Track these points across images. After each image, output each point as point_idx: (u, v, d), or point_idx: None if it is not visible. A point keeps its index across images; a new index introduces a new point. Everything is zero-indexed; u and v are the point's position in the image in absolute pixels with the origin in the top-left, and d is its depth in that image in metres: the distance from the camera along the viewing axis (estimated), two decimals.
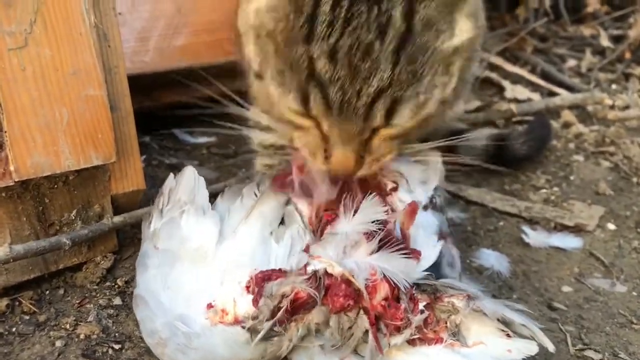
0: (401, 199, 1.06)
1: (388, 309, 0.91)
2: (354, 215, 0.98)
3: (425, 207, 1.11)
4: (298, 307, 0.91)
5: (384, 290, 0.91)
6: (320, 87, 0.85)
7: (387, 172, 1.09)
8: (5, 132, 0.99)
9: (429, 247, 1.02)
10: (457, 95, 1.01)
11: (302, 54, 0.85)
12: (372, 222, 0.97)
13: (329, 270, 0.92)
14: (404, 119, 0.89)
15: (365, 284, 0.91)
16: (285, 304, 0.90)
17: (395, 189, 1.07)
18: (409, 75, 0.85)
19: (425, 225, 1.06)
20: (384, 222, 0.98)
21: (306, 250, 0.99)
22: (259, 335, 0.89)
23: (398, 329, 0.91)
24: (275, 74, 0.90)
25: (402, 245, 0.97)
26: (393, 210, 1.04)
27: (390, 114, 0.88)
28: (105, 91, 1.10)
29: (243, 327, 0.90)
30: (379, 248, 0.95)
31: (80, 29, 1.08)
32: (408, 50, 0.85)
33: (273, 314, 0.90)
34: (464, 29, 0.91)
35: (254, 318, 0.91)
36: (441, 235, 1.06)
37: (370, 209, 0.98)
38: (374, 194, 1.00)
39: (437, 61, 0.88)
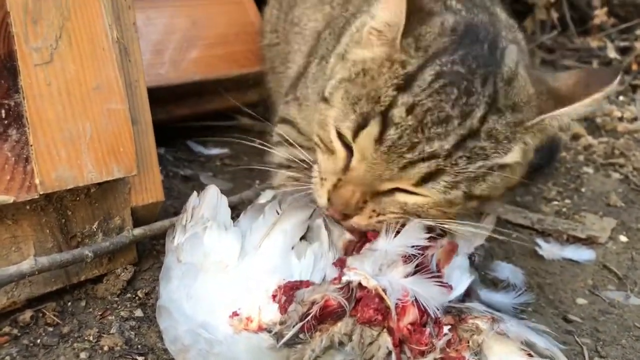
0: (442, 243, 1.06)
1: (413, 333, 0.92)
2: (395, 236, 1.00)
3: None
4: (326, 315, 0.92)
5: (412, 314, 0.93)
6: (384, 123, 0.96)
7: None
8: (31, 145, 1.00)
9: (461, 281, 1.04)
10: (481, 204, 1.09)
11: (388, 96, 0.97)
12: (412, 246, 0.99)
13: (364, 283, 0.94)
14: (434, 190, 0.97)
15: (396, 304, 0.92)
16: (314, 310, 0.91)
17: (443, 235, 1.08)
18: (461, 161, 0.96)
19: (461, 267, 1.08)
20: (422, 249, 1.00)
21: (342, 264, 1.00)
22: (285, 338, 0.90)
23: (422, 353, 0.92)
24: (352, 97, 1.01)
25: (436, 275, 0.99)
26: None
27: (426, 179, 0.96)
28: (127, 105, 1.12)
29: (269, 332, 0.92)
30: (414, 272, 0.97)
31: (103, 44, 1.10)
32: (471, 145, 0.96)
33: (301, 320, 0.91)
34: (514, 155, 1.02)
35: (282, 323, 0.92)
36: (468, 291, 1.06)
37: (412, 233, 1.00)
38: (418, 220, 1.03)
39: (484, 165, 0.98)
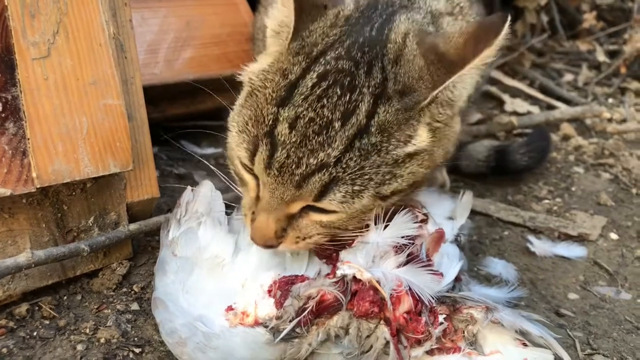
0: (430, 231, 1.08)
1: (410, 322, 0.93)
2: (385, 228, 1.00)
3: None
4: (323, 309, 0.93)
5: (407, 302, 0.94)
6: (271, 145, 0.91)
7: (416, 204, 1.11)
8: (29, 139, 1.01)
9: (451, 267, 1.05)
10: (407, 194, 1.03)
11: (271, 114, 0.93)
12: (402, 237, 1.00)
13: (358, 276, 0.94)
14: (334, 202, 0.92)
15: (390, 294, 0.93)
16: (311, 304, 0.92)
17: (425, 221, 1.09)
18: (352, 163, 0.91)
19: (450, 254, 1.09)
20: (413, 238, 1.01)
21: (336, 258, 1.01)
22: (283, 333, 0.91)
23: (418, 342, 0.94)
24: (241, 123, 0.97)
25: (427, 264, 1.00)
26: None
27: (323, 192, 0.92)
28: (123, 101, 1.13)
29: (265, 327, 0.93)
30: (406, 262, 0.98)
31: (100, 40, 1.10)
32: (363, 144, 0.91)
33: (297, 315, 0.92)
34: (421, 139, 0.96)
35: (278, 318, 0.93)
36: (457, 276, 1.07)
37: (402, 224, 1.01)
38: (407, 209, 1.03)
39: (384, 161, 0.93)
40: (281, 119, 0.91)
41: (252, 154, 0.94)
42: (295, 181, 0.91)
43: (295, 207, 0.95)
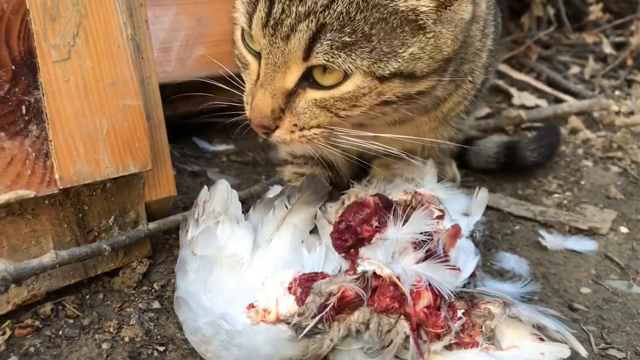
0: (446, 227, 1.10)
1: (429, 316, 0.95)
2: (403, 224, 1.02)
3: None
4: (344, 305, 0.95)
5: (427, 298, 0.95)
6: (270, 2, 0.91)
7: (432, 200, 1.13)
8: (51, 141, 1.02)
9: (467, 262, 1.07)
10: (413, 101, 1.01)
11: None
12: (420, 233, 1.02)
13: (378, 272, 0.96)
14: (321, 54, 0.90)
15: (410, 290, 0.95)
16: (332, 301, 0.94)
17: (441, 217, 1.11)
18: (343, 9, 0.88)
19: (466, 249, 1.11)
20: (431, 234, 1.03)
21: (355, 254, 1.03)
22: (305, 330, 0.93)
23: (438, 336, 0.95)
24: (244, 1, 0.96)
25: (445, 259, 1.02)
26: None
27: (311, 45, 0.90)
28: (142, 101, 1.14)
29: (288, 324, 0.94)
30: (425, 258, 1.00)
31: (119, 42, 1.12)
32: None
33: (319, 311, 0.94)
34: None
35: (300, 315, 0.95)
36: (472, 272, 1.09)
37: (420, 221, 1.03)
38: (425, 206, 1.04)
39: (378, 17, 0.90)
40: None
41: (251, 16, 0.94)
42: (285, 33, 0.91)
43: (290, 79, 0.95)
